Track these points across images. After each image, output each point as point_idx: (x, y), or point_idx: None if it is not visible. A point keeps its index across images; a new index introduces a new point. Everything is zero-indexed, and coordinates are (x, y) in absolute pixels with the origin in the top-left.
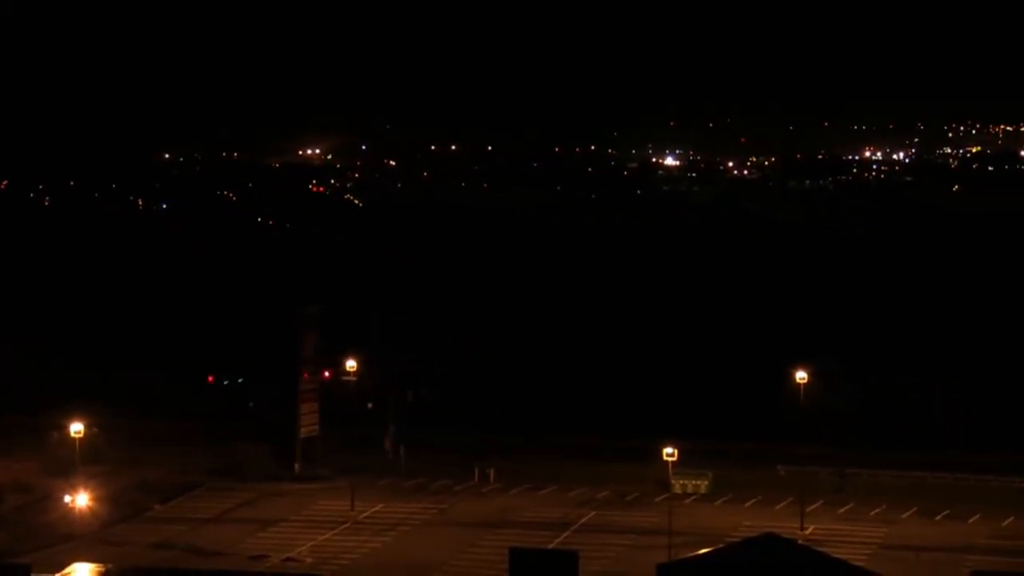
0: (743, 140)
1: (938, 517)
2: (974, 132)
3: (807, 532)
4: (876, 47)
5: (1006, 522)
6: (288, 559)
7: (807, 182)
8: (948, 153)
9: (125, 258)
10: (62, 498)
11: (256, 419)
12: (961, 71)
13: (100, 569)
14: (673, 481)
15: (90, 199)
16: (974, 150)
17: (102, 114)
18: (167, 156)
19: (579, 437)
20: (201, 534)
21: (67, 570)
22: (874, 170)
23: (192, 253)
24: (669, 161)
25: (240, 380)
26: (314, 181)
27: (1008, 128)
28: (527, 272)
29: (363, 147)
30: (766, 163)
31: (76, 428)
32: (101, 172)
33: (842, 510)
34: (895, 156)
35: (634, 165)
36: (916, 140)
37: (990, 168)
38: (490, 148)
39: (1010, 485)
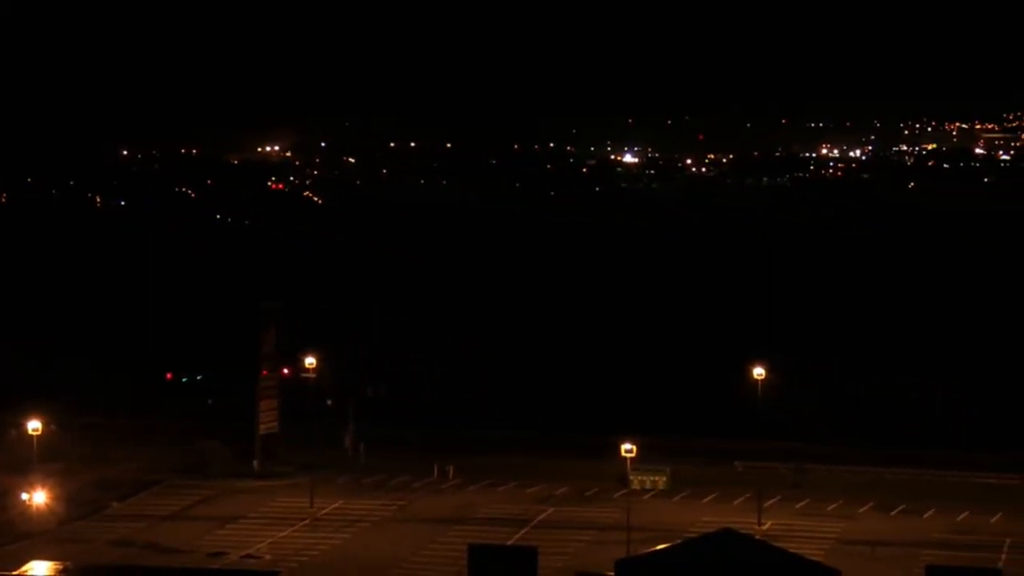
0: (701, 137)
1: (894, 512)
2: (929, 130)
3: (764, 527)
4: (834, 47)
5: (961, 517)
6: (247, 556)
7: (765, 179)
8: (904, 150)
9: (83, 256)
10: (19, 496)
11: (215, 416)
12: (916, 71)
13: (58, 567)
14: (631, 477)
15: (47, 196)
16: (929, 147)
17: (60, 111)
18: (125, 153)
19: (539, 433)
20: (160, 531)
21: (24, 568)
22: (831, 167)
23: (151, 250)
24: (628, 159)
25: (199, 377)
26: (273, 178)
27: (962, 126)
28: (486, 268)
29: (322, 144)
30: (724, 160)
31: (34, 426)
32: (58, 169)
33: (799, 505)
34: (852, 154)
35: (593, 162)
36: (873, 138)
37: (945, 165)
38: (449, 146)
39: (967, 480)
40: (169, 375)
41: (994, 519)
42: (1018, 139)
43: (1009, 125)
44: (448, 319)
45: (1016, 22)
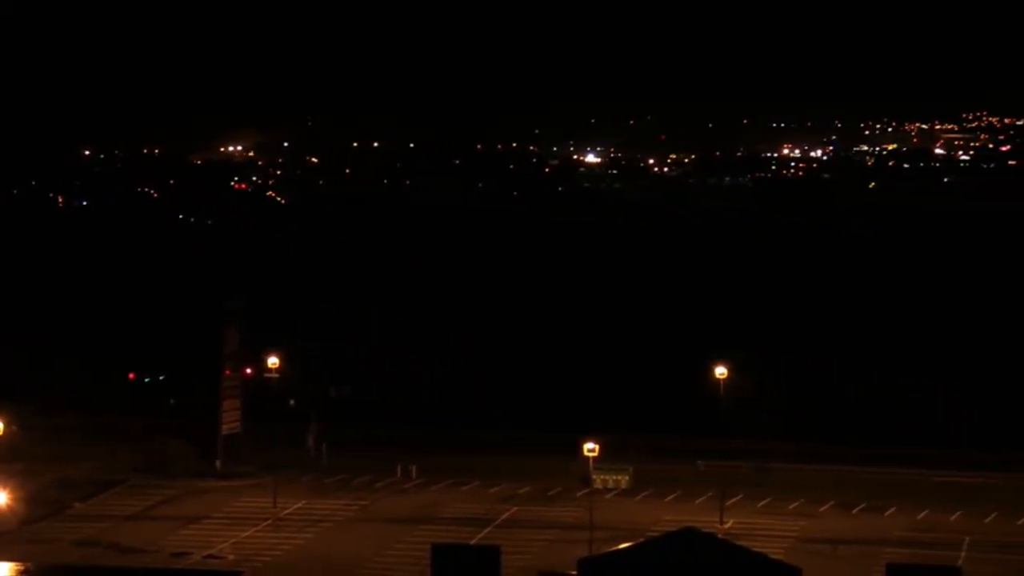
0: (663, 138)
1: (856, 510)
2: (890, 130)
3: (727, 526)
4: (796, 48)
5: (922, 515)
6: (209, 556)
7: (727, 179)
8: (865, 150)
9: (45, 256)
10: None
11: (178, 416)
12: (877, 71)
13: (19, 567)
14: (594, 476)
15: (8, 196)
16: (890, 147)
17: (21, 110)
18: (87, 153)
19: (501, 432)
20: (122, 531)
21: None
22: (793, 167)
23: (113, 250)
24: (590, 158)
25: (162, 377)
26: (236, 178)
27: (922, 126)
28: (451, 266)
29: (285, 144)
30: (686, 160)
31: None
32: (20, 169)
33: (761, 504)
34: (813, 154)
35: (555, 162)
36: (834, 138)
37: (905, 165)
38: (412, 145)
39: (928, 479)
40: (132, 375)
41: (954, 517)
42: (977, 139)
43: (968, 126)
44: (414, 317)
45: (975, 24)
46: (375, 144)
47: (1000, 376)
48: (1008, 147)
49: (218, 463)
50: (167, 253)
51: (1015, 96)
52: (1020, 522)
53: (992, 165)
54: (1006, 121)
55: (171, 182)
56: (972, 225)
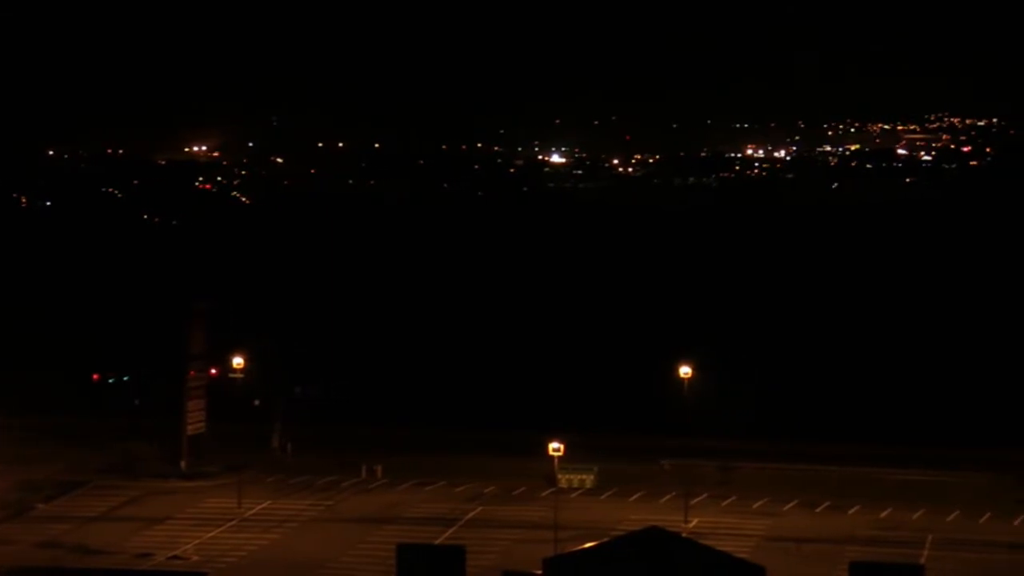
0: (628, 138)
1: (819, 509)
2: (852, 131)
3: (691, 525)
4: (759, 49)
5: (885, 513)
6: (174, 557)
7: (691, 179)
8: (828, 151)
9: (8, 256)
10: None
11: (142, 416)
12: (840, 71)
13: None
14: (559, 476)
15: None
16: (853, 148)
17: None
18: (51, 153)
19: (466, 431)
20: (86, 532)
21: None
22: (756, 167)
23: (78, 251)
24: (555, 159)
25: (126, 378)
26: (200, 178)
27: (885, 127)
28: (419, 266)
29: (250, 144)
30: (651, 160)
31: None
32: None
33: (725, 503)
34: (777, 154)
35: (520, 162)
36: (797, 138)
37: (868, 165)
38: (377, 145)
39: (889, 477)
40: (96, 376)
41: (916, 515)
42: (939, 140)
43: (930, 127)
44: (379, 317)
45: (936, 26)
46: (340, 144)
47: (963, 374)
48: (969, 148)
49: (183, 463)
50: (131, 253)
51: (977, 97)
52: (982, 520)
53: (954, 165)
54: (968, 122)
55: (135, 182)
56: (932, 224)
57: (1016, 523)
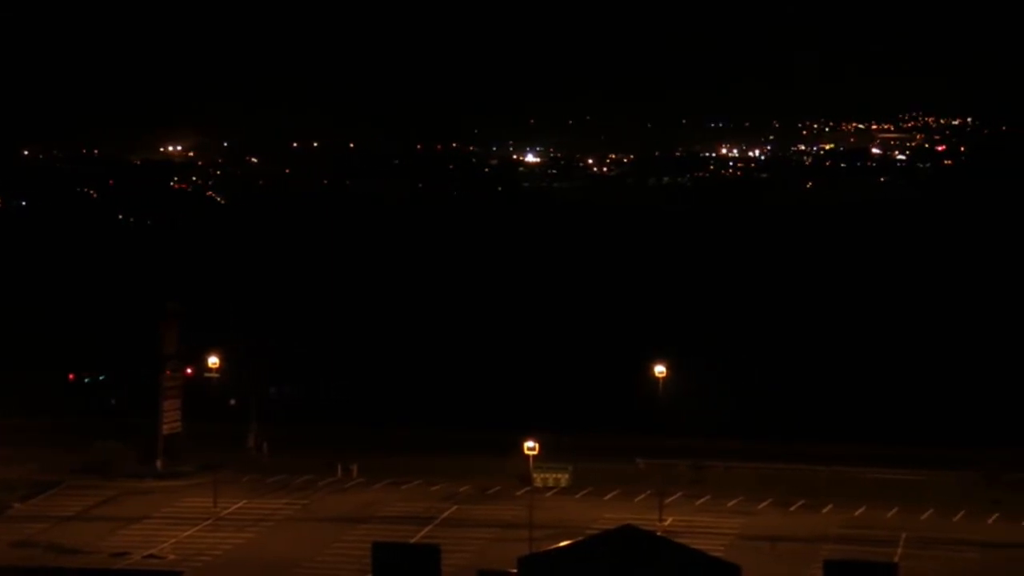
0: (602, 137)
1: (793, 508)
2: (827, 130)
3: (666, 524)
4: (735, 49)
5: (858, 512)
6: (150, 556)
7: (665, 179)
8: (802, 150)
9: None
10: None
11: (118, 416)
12: (813, 70)
13: None
14: (534, 475)
15: None
16: (827, 147)
17: None
18: (26, 153)
19: (441, 431)
20: (62, 532)
21: None
22: (731, 167)
23: (53, 251)
24: (530, 158)
25: (101, 377)
26: (176, 178)
27: (859, 126)
28: (395, 266)
29: (224, 144)
30: (625, 160)
31: None
32: None
33: (700, 502)
34: (751, 153)
35: (495, 162)
36: (771, 138)
37: (842, 165)
38: (352, 145)
39: (863, 476)
40: (72, 375)
41: (890, 514)
42: (913, 139)
43: (904, 126)
44: (355, 317)
45: (909, 26)
46: (315, 144)
47: (937, 373)
48: (943, 147)
49: (158, 463)
50: (107, 253)
51: (951, 96)
52: (955, 519)
53: (928, 165)
54: (942, 121)
55: (111, 182)
56: (910, 223)
57: (989, 522)
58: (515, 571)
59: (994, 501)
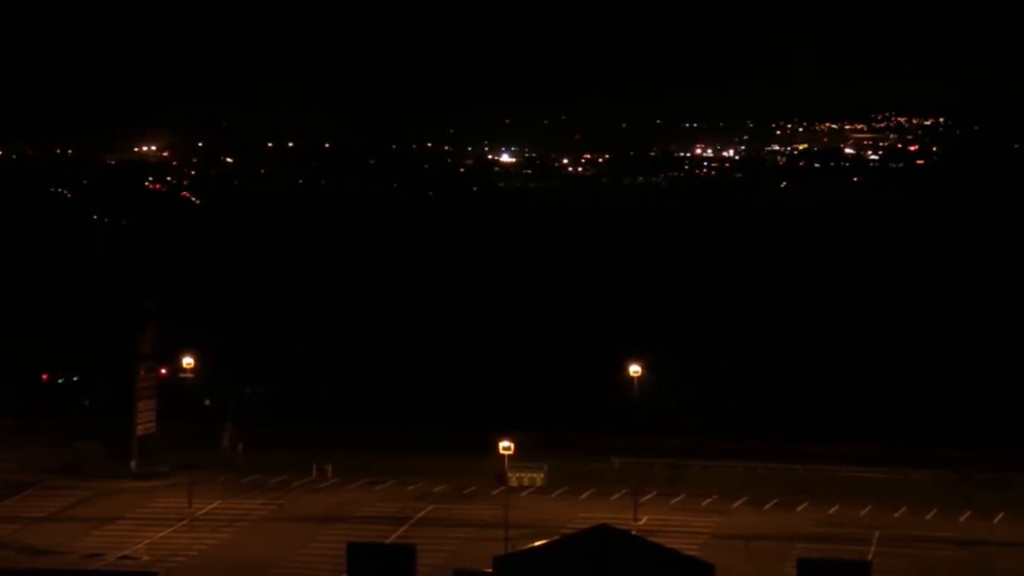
0: (577, 137)
1: (767, 506)
2: (800, 130)
3: (641, 523)
4: (708, 49)
5: (832, 510)
6: (124, 557)
7: (640, 178)
8: (776, 150)
9: None
10: None
11: (92, 416)
12: (786, 71)
13: None
14: (509, 474)
15: None
16: (801, 147)
17: None
18: None
19: (417, 430)
20: (35, 533)
21: None
22: (705, 167)
23: (26, 251)
24: (505, 158)
25: (75, 378)
26: (151, 178)
27: (832, 126)
28: (368, 265)
29: (200, 144)
30: (600, 160)
31: None
32: None
33: (675, 501)
34: (725, 153)
35: (470, 162)
36: (745, 138)
37: (816, 165)
38: (327, 145)
39: (837, 474)
40: (45, 376)
41: (863, 512)
42: (886, 139)
43: (877, 126)
44: (329, 316)
45: (882, 27)
46: (290, 144)
47: (909, 372)
48: (916, 147)
49: (133, 463)
50: (81, 253)
51: (923, 96)
52: (928, 517)
53: (900, 164)
54: (914, 121)
55: (85, 182)
56: (879, 222)
57: (961, 520)
58: (490, 571)
59: (966, 499)
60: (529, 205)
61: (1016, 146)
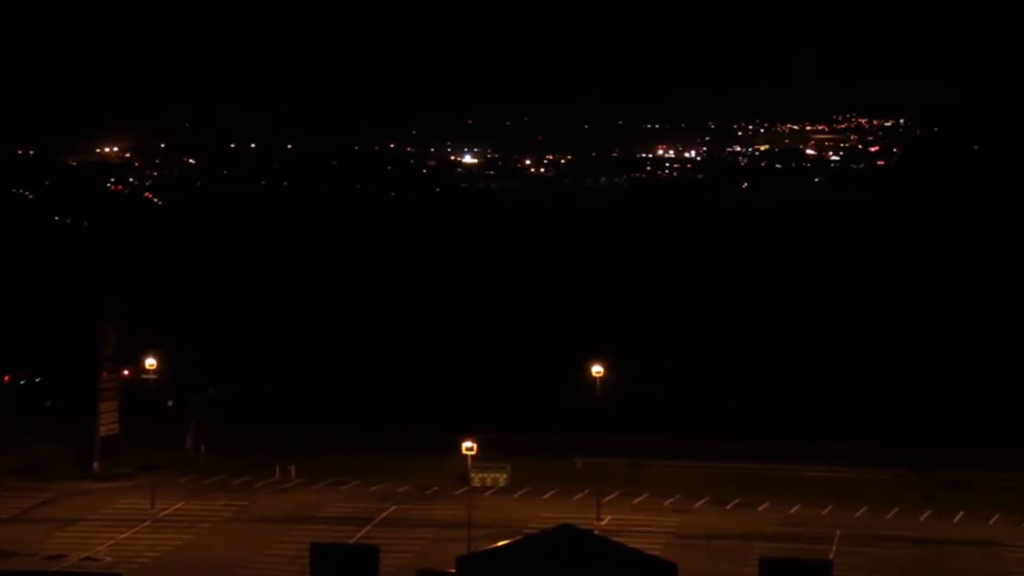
0: (540, 138)
1: (729, 506)
2: (762, 131)
3: (603, 523)
4: (669, 51)
5: (793, 509)
6: (87, 558)
7: (603, 179)
8: (738, 151)
9: None
10: None
11: (55, 418)
12: (749, 73)
13: None
14: (472, 474)
15: None
16: (762, 148)
17: None
18: None
19: (379, 431)
20: None
21: None
22: (667, 168)
23: None
24: (467, 159)
25: (38, 379)
26: (113, 179)
27: (793, 127)
28: (330, 266)
29: (162, 145)
30: (563, 161)
31: None
32: None
33: (637, 501)
34: (687, 154)
35: (433, 163)
36: (707, 139)
37: (777, 165)
38: (290, 147)
39: (797, 473)
40: (7, 377)
41: (825, 511)
42: (847, 140)
43: (838, 127)
44: (293, 316)
45: (842, 28)
46: (252, 145)
47: (868, 371)
48: (876, 148)
49: (96, 465)
50: (43, 255)
51: (883, 98)
52: (889, 516)
53: (861, 165)
54: (875, 123)
55: (46, 183)
56: (843, 222)
57: (922, 519)
58: (454, 571)
59: (926, 498)
60: (492, 206)
61: (975, 147)
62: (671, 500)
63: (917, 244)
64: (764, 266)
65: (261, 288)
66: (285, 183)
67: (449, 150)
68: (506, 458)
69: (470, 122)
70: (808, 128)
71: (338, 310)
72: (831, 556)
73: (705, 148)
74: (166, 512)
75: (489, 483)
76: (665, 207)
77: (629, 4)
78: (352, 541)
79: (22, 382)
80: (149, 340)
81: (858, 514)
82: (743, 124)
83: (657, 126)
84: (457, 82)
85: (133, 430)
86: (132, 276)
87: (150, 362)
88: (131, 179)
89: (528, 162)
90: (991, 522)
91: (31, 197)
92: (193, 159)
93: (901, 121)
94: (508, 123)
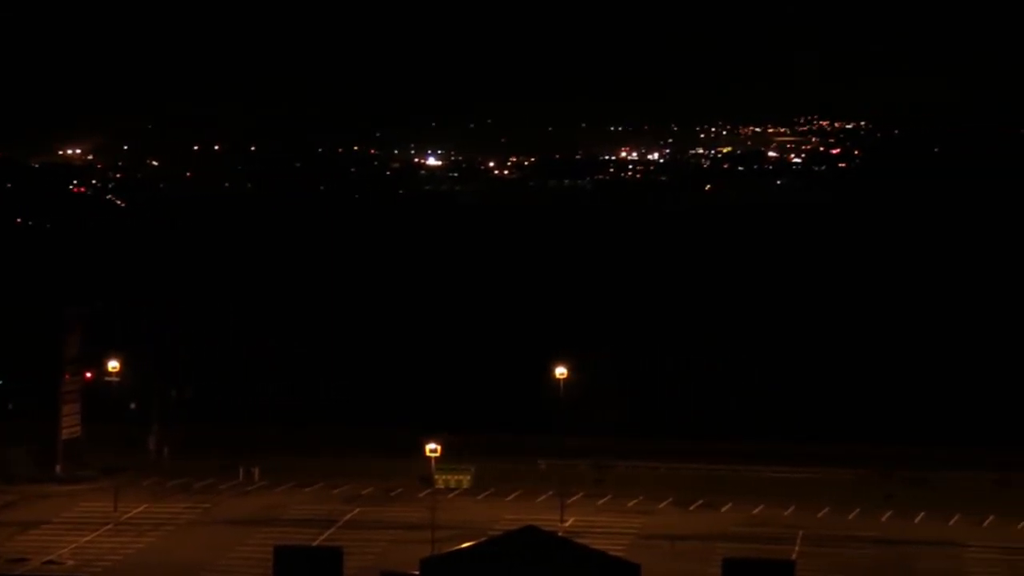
0: (503, 140)
1: (692, 507)
2: (724, 133)
3: (567, 524)
4: (631, 51)
5: (756, 510)
6: (49, 562)
7: (566, 181)
8: (701, 153)
9: None
10: None
11: (16, 420)
12: (709, 74)
13: None
14: (436, 476)
15: None
16: (725, 150)
17: None
18: None
19: (343, 432)
20: None
21: None
22: (630, 170)
23: None
24: (431, 161)
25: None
26: (75, 181)
27: (756, 129)
28: (294, 267)
29: (125, 147)
30: (526, 163)
31: None
32: None
33: (601, 502)
34: (650, 156)
35: (397, 165)
36: (670, 141)
37: (740, 168)
38: (253, 149)
39: (761, 474)
40: None
41: (787, 512)
42: (809, 143)
43: (800, 129)
44: (257, 317)
45: (805, 31)
46: (216, 147)
47: (833, 370)
48: (838, 150)
49: (58, 468)
50: (4, 257)
51: (845, 100)
52: (851, 516)
53: (823, 167)
54: (836, 125)
55: (8, 185)
56: (806, 223)
57: (883, 519)
58: (417, 573)
59: (888, 497)
60: (455, 207)
61: (936, 149)
62: (635, 501)
63: (881, 244)
64: (731, 266)
65: (227, 289)
66: (248, 185)
67: (412, 153)
68: (470, 459)
69: (434, 125)
70: (770, 130)
71: (302, 312)
72: (794, 556)
73: (668, 150)
74: (129, 515)
75: (453, 485)
76: (630, 208)
77: (592, 7)
78: (316, 543)
79: None
80: (111, 342)
81: (820, 514)
82: (706, 127)
83: (620, 128)
84: (420, 84)
85: (96, 432)
86: (95, 278)
87: (113, 364)
88: (94, 181)
89: (492, 164)
90: (951, 522)
91: None
92: (156, 161)
93: (863, 124)
94: (472, 125)
